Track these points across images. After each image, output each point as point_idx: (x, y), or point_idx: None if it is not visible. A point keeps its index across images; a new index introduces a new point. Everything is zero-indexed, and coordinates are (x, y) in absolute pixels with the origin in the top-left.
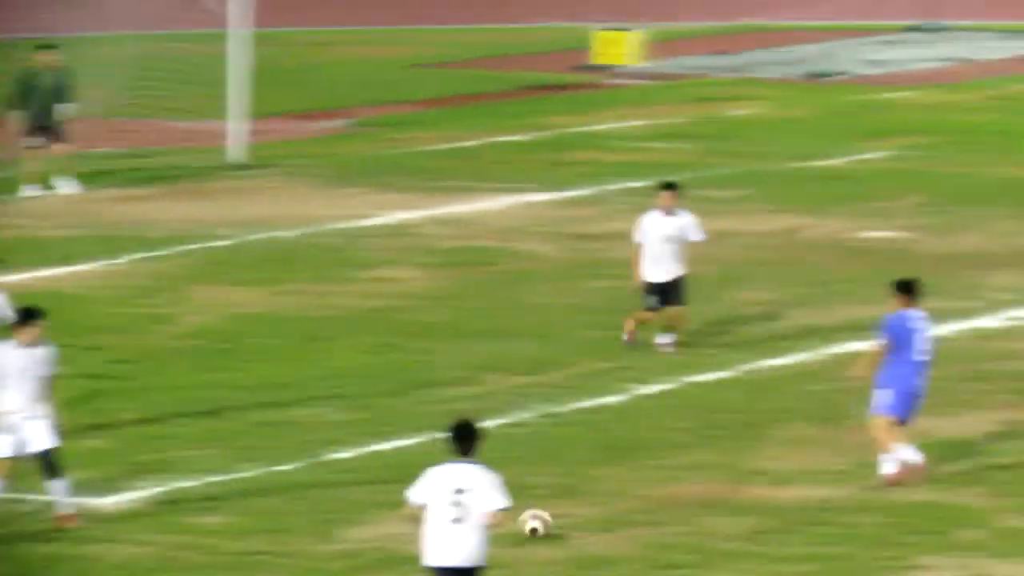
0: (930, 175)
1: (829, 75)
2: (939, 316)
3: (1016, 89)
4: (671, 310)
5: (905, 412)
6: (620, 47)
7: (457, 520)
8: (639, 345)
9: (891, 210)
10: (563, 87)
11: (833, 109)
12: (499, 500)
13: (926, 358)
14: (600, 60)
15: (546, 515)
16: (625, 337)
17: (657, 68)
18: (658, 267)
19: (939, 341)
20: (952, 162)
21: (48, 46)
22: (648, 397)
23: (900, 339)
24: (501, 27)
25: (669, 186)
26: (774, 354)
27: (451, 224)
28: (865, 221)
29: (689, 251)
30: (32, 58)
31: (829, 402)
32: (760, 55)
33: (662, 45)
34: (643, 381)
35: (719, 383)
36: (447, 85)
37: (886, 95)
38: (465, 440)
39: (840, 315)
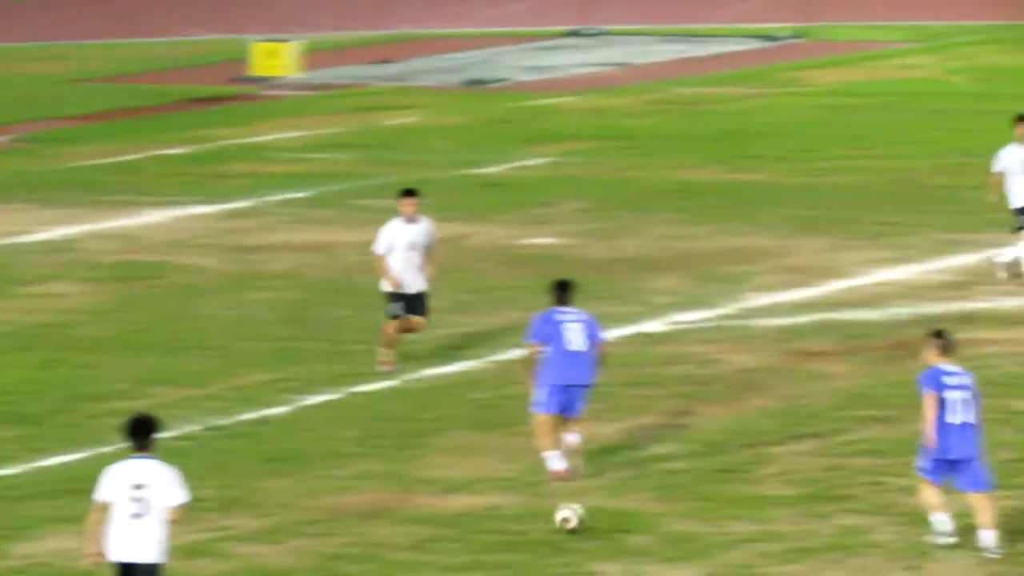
0: (591, 180)
1: (489, 82)
2: (603, 321)
3: (676, 92)
4: (414, 319)
5: (559, 406)
6: (278, 58)
7: (137, 515)
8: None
9: (553, 216)
10: (223, 99)
11: (493, 116)
12: (178, 495)
13: (581, 350)
14: (259, 72)
15: (576, 507)
16: (386, 368)
17: (316, 79)
18: (404, 275)
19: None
20: (613, 167)
21: None
22: (313, 408)
23: (548, 336)
24: (160, 41)
25: (410, 193)
26: (439, 362)
27: (115, 238)
28: (528, 228)
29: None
30: None
31: (495, 409)
32: (419, 63)
33: (321, 55)
34: (307, 392)
35: (383, 393)
36: (108, 99)
37: (547, 101)
38: (141, 435)
39: (504, 321)
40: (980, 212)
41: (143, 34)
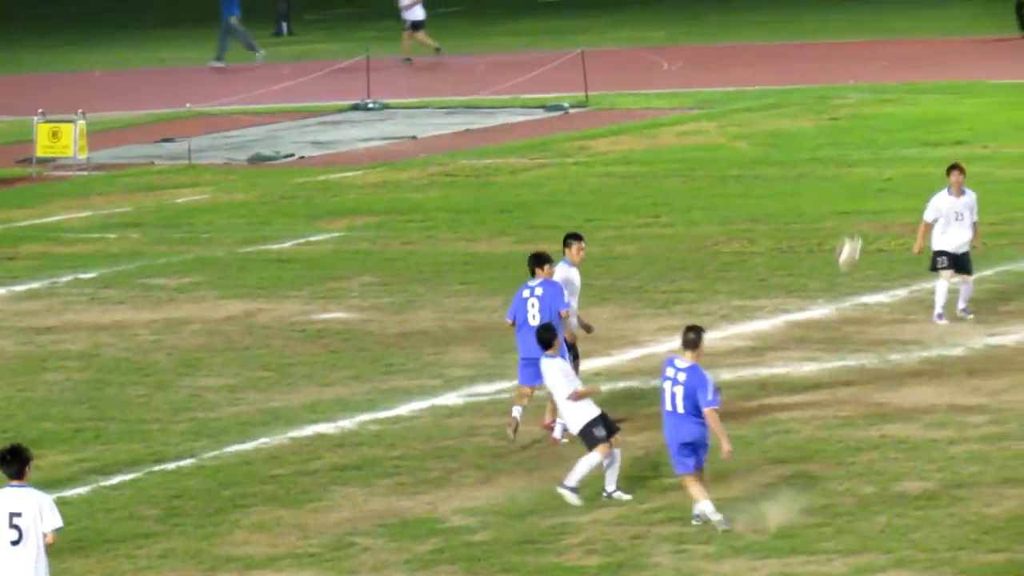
0: (381, 254)
1: (274, 158)
2: (399, 396)
3: (462, 164)
4: None
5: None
6: (64, 139)
7: (15, 543)
8: None
9: (344, 291)
10: (9, 181)
11: (280, 192)
12: (53, 520)
13: None
14: (45, 153)
15: None
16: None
17: (102, 158)
18: None
19: (401, 420)
20: (402, 240)
21: None
22: (113, 487)
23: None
24: None
25: None
26: (238, 438)
27: None
28: (320, 303)
29: None
30: None
31: (295, 484)
32: (204, 141)
33: (106, 135)
34: (107, 472)
35: (183, 471)
36: None
37: (332, 176)
38: (13, 464)
39: (300, 398)
40: (773, 277)
41: None
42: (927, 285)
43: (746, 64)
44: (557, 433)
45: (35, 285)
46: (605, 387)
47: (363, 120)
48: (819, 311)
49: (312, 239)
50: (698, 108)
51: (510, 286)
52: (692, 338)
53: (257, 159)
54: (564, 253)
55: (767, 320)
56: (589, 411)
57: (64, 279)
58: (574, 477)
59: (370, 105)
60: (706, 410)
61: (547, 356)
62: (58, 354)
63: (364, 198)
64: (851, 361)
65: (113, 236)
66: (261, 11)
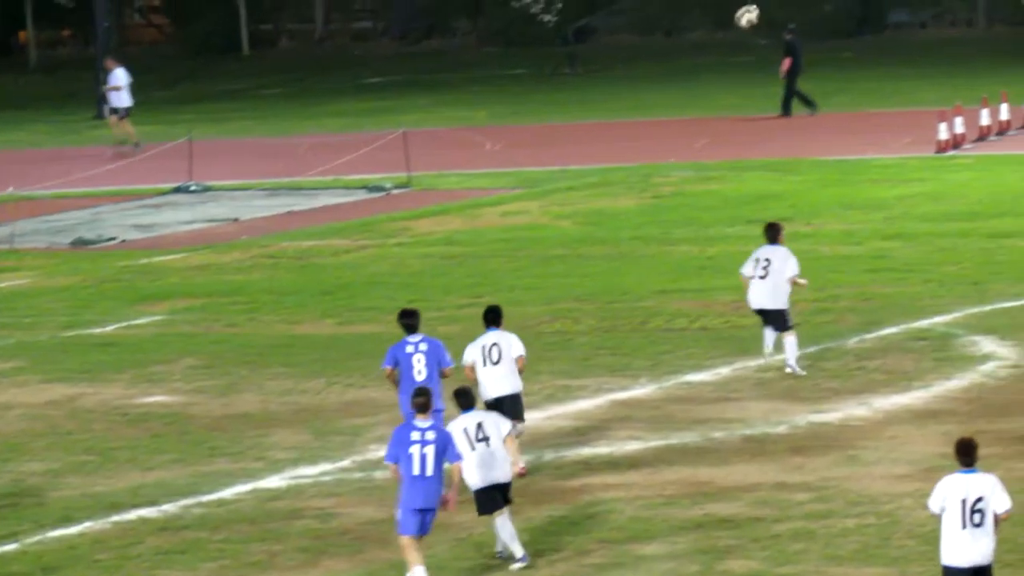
0: (203, 337)
1: (97, 242)
2: (222, 478)
3: (284, 246)
4: None
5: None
6: None
7: None
8: None
9: (167, 374)
10: None
11: (103, 276)
12: None
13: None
14: None
15: None
16: None
17: None
18: None
19: (224, 503)
20: (225, 323)
21: None
22: None
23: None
24: None
25: None
26: (60, 523)
27: None
28: (142, 387)
29: None
30: None
31: (118, 569)
32: (28, 225)
33: None
34: None
35: (6, 556)
36: None
37: (155, 259)
38: None
39: (123, 482)
40: (596, 356)
41: None
42: (751, 363)
43: (569, 143)
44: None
45: None
46: None
47: (185, 203)
48: (642, 390)
49: (135, 323)
50: (521, 188)
51: (332, 368)
52: (422, 401)
53: (79, 243)
54: None
55: (590, 399)
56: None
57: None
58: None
59: (192, 187)
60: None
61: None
62: None
63: (187, 281)
64: (674, 440)
65: None
66: (82, 95)
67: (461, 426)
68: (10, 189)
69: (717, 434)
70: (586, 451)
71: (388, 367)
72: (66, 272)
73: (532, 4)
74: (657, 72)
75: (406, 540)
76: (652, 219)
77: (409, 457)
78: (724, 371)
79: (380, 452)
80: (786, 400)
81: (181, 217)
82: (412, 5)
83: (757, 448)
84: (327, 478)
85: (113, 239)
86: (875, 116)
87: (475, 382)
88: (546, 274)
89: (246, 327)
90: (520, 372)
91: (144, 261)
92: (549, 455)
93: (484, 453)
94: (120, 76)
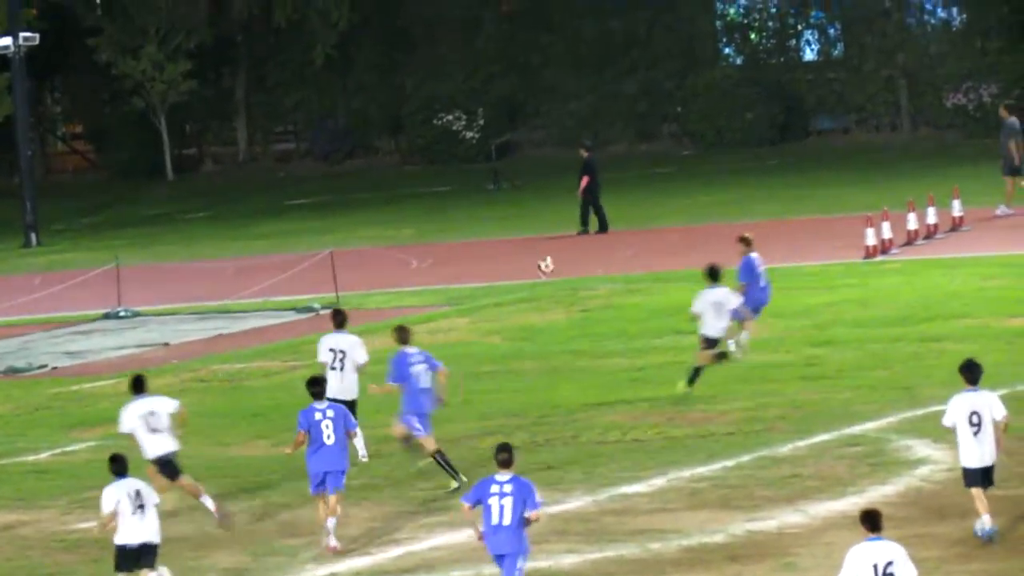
0: (136, 462)
1: (27, 370)
2: None
3: (214, 369)
4: None
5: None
6: None
7: None
8: None
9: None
10: None
11: (35, 403)
12: None
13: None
14: None
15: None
16: None
17: None
18: None
19: None
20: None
21: None
22: None
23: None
24: None
25: None
26: None
27: None
28: (78, 513)
29: None
30: None
31: None
32: None
33: None
34: None
35: None
36: None
37: (86, 385)
38: None
39: None
40: (529, 471)
41: None
42: (684, 473)
43: (495, 258)
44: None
45: None
46: None
47: (115, 328)
48: (577, 503)
49: (68, 449)
50: (449, 305)
51: (265, 489)
52: (505, 457)
53: (10, 371)
54: None
55: None
56: None
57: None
58: None
59: (121, 313)
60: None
61: None
62: None
63: (118, 406)
64: (611, 552)
65: None
66: (9, 224)
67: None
68: None
69: (654, 545)
70: (524, 565)
71: (301, 431)
72: None
73: (454, 121)
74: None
75: None
76: (582, 332)
77: (489, 508)
78: (659, 482)
79: (318, 572)
80: (722, 509)
81: (111, 343)
82: (334, 125)
83: (695, 558)
84: None
85: (44, 367)
86: (801, 223)
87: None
88: (477, 390)
89: (179, 449)
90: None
91: (75, 388)
92: (487, 570)
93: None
94: None
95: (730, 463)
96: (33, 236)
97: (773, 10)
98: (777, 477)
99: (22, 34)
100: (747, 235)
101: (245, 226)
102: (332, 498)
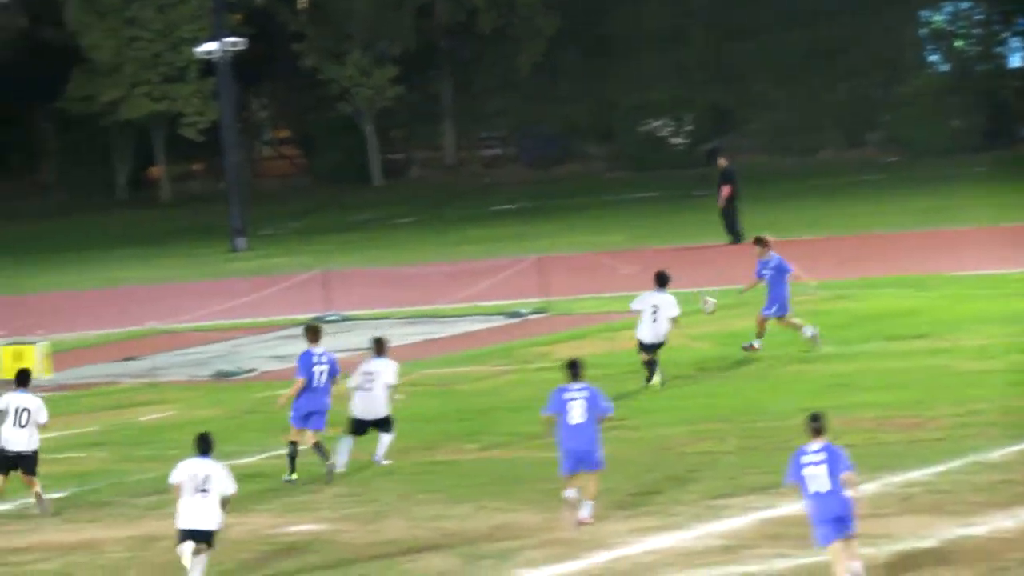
0: (349, 465)
1: (237, 373)
2: None
3: (424, 374)
4: None
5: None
6: (26, 361)
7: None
8: None
9: (314, 503)
10: None
11: (244, 407)
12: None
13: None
14: (8, 375)
15: None
16: None
17: (65, 379)
18: None
19: None
20: (368, 451)
21: None
22: None
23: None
24: None
25: None
26: None
27: None
28: (289, 516)
29: None
30: None
31: None
32: (167, 358)
33: (67, 355)
34: None
35: None
36: None
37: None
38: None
39: None
40: (742, 475)
41: None
42: (895, 478)
43: (702, 264)
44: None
45: (5, 507)
46: None
47: (324, 333)
48: (790, 507)
49: (278, 452)
50: None
51: (477, 494)
52: (818, 426)
53: (219, 375)
54: None
55: (739, 518)
56: None
57: (33, 500)
58: None
59: (330, 317)
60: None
61: None
62: (30, 574)
63: (329, 410)
64: (823, 557)
65: (81, 455)
66: (218, 228)
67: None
68: (149, 323)
69: (867, 550)
70: (736, 570)
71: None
72: (207, 404)
73: (662, 127)
74: (788, 191)
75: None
76: (790, 338)
77: (803, 479)
78: (870, 487)
79: (529, 575)
80: (933, 514)
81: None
82: (542, 132)
83: (907, 562)
84: None
85: (252, 370)
86: (1011, 229)
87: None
88: (685, 395)
89: (390, 455)
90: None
91: (284, 392)
92: (700, 573)
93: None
94: None
95: (941, 468)
96: (241, 241)
97: (979, 17)
98: (988, 482)
99: (227, 39)
100: (764, 236)
101: (453, 231)
102: (590, 477)
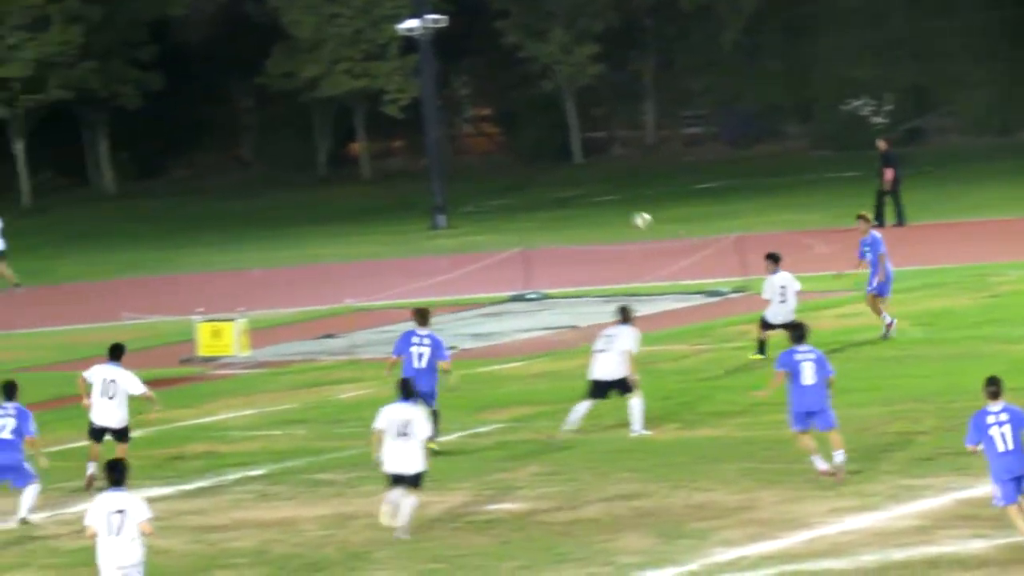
0: (546, 443)
1: None
2: None
3: None
4: None
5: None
6: (225, 338)
7: None
8: None
9: (512, 481)
10: (173, 381)
11: (445, 385)
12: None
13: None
14: (206, 352)
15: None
16: None
17: (263, 356)
18: None
19: None
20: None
21: None
22: None
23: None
24: (101, 326)
25: None
26: None
27: (75, 524)
28: (487, 494)
29: None
30: None
31: None
32: (364, 336)
33: (265, 333)
34: None
35: None
36: (53, 387)
37: (494, 367)
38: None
39: None
40: (938, 456)
41: (79, 320)
42: None
43: (904, 244)
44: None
45: (202, 484)
46: (773, 571)
47: (523, 311)
48: (986, 488)
49: (477, 431)
50: (855, 290)
51: (675, 473)
52: (994, 390)
53: None
54: None
55: (934, 498)
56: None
57: (231, 477)
58: None
59: (529, 296)
60: None
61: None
62: (228, 552)
63: (527, 388)
64: (1021, 538)
65: (278, 433)
66: (418, 205)
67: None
68: (347, 301)
69: None
70: (932, 550)
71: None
72: None
73: (863, 106)
74: (988, 172)
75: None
76: (989, 318)
77: (991, 439)
78: None
79: (727, 555)
80: None
81: (519, 325)
82: (743, 110)
83: None
84: None
85: (452, 348)
86: None
87: None
88: (883, 375)
89: (589, 433)
90: None
91: (483, 369)
92: (896, 554)
93: None
94: None
95: None
96: (441, 218)
97: None
98: None
99: (429, 16)
100: (864, 213)
101: (653, 209)
102: (830, 435)
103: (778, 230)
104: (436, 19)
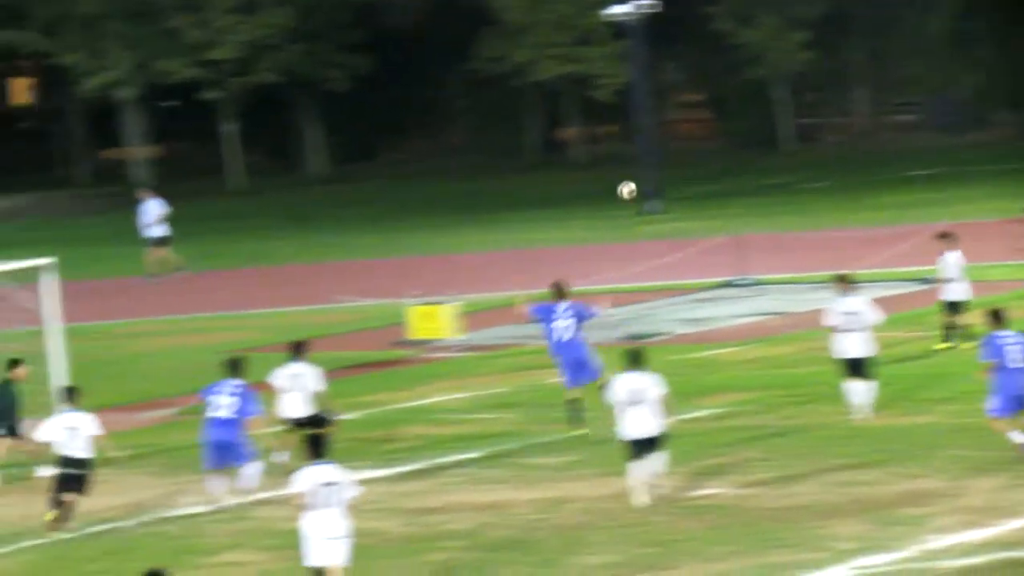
0: (760, 430)
1: (648, 336)
2: (786, 569)
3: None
4: None
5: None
6: (436, 321)
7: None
8: None
9: (726, 466)
10: (385, 364)
11: (656, 370)
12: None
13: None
14: (418, 335)
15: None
16: None
17: (475, 340)
18: None
19: None
20: (780, 416)
21: None
22: None
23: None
24: (314, 308)
25: None
26: None
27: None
28: (700, 479)
29: None
30: None
31: None
32: None
33: (477, 316)
34: None
35: None
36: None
37: (707, 353)
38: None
39: (685, 574)
40: None
41: (293, 303)
42: None
43: None
44: None
45: (417, 466)
46: (983, 558)
47: (736, 296)
48: None
49: (691, 416)
50: None
51: (891, 459)
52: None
53: (632, 337)
54: None
55: None
56: None
57: (445, 460)
58: None
59: (742, 281)
60: None
61: None
62: (442, 534)
63: (741, 374)
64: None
65: (491, 416)
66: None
67: None
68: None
69: None
70: None
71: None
72: (616, 366)
73: None
74: None
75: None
76: None
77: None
78: None
79: (942, 542)
80: None
81: (732, 311)
82: (954, 98)
83: None
84: (892, 568)
85: (663, 334)
86: None
87: None
88: None
89: (803, 419)
90: None
91: (696, 355)
92: None
93: None
94: (152, 208)
95: None
96: (653, 203)
97: None
98: None
99: (640, 1)
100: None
101: (865, 197)
102: None
103: (988, 218)
104: (647, 4)
